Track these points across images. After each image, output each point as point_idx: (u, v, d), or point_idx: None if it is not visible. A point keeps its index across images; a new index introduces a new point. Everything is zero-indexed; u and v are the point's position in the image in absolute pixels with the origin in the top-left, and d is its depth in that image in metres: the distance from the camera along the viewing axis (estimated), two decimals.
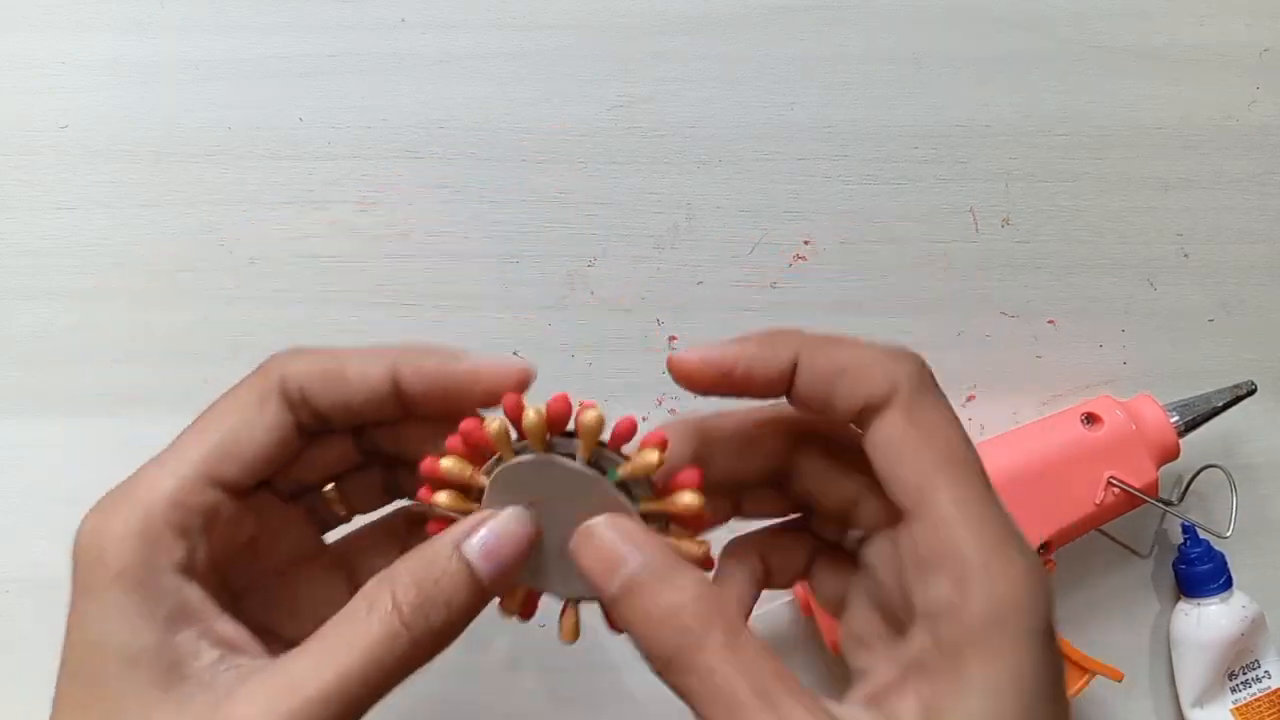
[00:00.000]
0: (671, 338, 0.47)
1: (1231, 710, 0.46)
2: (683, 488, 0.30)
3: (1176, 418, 0.45)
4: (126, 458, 0.45)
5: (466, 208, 0.47)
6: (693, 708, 0.27)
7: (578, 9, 0.47)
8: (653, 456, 0.29)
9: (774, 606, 0.45)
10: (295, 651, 0.28)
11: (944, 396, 0.29)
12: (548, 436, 0.29)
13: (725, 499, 0.33)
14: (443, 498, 0.30)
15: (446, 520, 0.30)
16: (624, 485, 0.30)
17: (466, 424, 0.30)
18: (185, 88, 0.46)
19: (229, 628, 0.29)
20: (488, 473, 0.30)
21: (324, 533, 0.35)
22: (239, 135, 0.46)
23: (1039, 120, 0.48)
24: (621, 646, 0.42)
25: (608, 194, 0.47)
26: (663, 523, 0.30)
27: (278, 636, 0.30)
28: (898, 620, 0.29)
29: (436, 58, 0.47)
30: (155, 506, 0.29)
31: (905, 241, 0.48)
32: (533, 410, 0.29)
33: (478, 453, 0.30)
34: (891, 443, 0.28)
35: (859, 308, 0.47)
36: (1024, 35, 0.48)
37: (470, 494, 0.30)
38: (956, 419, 0.29)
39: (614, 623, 0.30)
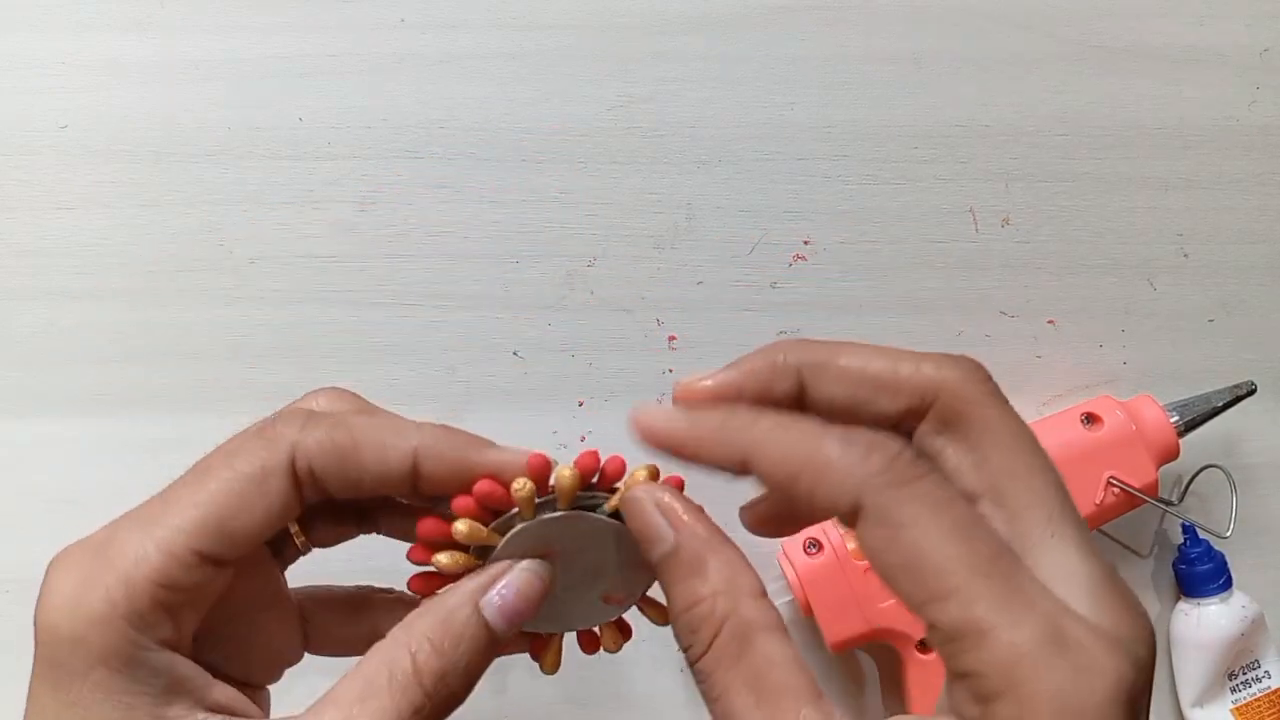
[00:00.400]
0: (671, 337, 0.47)
1: (1231, 710, 0.46)
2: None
3: (1176, 418, 0.45)
4: (126, 458, 0.46)
5: (466, 208, 0.47)
6: (707, 705, 0.26)
7: (578, 9, 0.47)
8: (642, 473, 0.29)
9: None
10: (310, 717, 0.26)
11: (930, 477, 0.25)
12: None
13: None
14: (445, 559, 0.29)
15: (435, 577, 0.30)
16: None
17: (483, 486, 0.29)
18: (185, 88, 0.46)
19: (221, 694, 0.28)
20: (500, 530, 0.29)
21: (283, 567, 0.33)
22: (239, 135, 0.46)
23: (1039, 120, 0.48)
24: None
25: (608, 194, 0.47)
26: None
27: (222, 673, 0.29)
28: None
29: (436, 58, 0.47)
30: (140, 583, 0.27)
31: (905, 241, 0.48)
32: (568, 471, 0.29)
33: (487, 512, 0.30)
34: (876, 556, 0.24)
35: (859, 308, 0.47)
36: (1024, 35, 0.48)
37: (468, 551, 0.30)
38: (948, 498, 0.24)
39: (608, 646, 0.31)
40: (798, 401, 0.28)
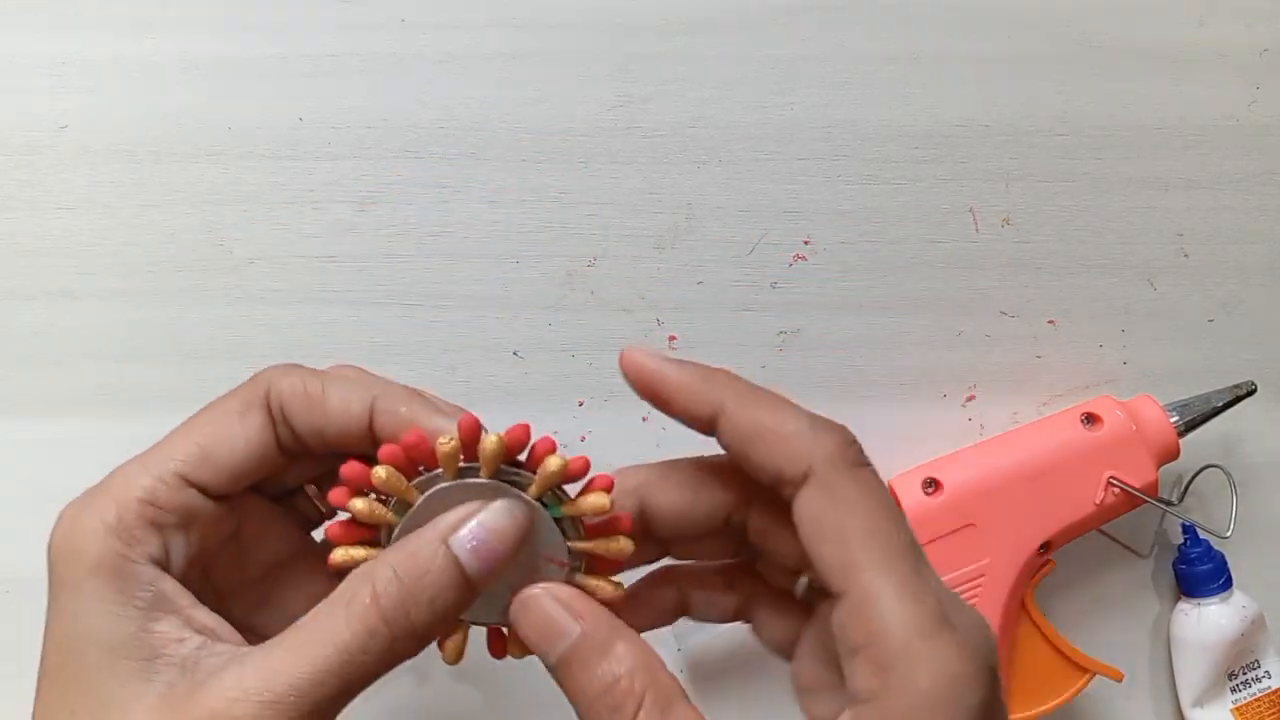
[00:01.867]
0: (671, 337, 0.47)
1: (1231, 710, 0.46)
2: (614, 532, 0.30)
3: (1176, 418, 0.45)
4: (126, 458, 0.46)
5: (466, 208, 0.47)
6: None
7: (578, 9, 0.47)
8: (603, 500, 0.29)
9: None
10: (273, 642, 0.28)
11: (870, 468, 0.28)
12: (499, 465, 0.29)
13: (658, 544, 0.33)
14: (360, 504, 0.29)
15: (351, 526, 0.30)
16: (559, 520, 0.30)
17: (410, 436, 0.29)
18: (186, 88, 0.46)
19: (207, 616, 0.29)
20: (421, 488, 0.30)
21: (308, 531, 0.35)
22: (239, 135, 0.46)
23: (1039, 120, 0.48)
24: None
25: (608, 194, 0.47)
26: (584, 560, 0.31)
27: (265, 637, 0.30)
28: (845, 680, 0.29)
29: (436, 58, 0.47)
30: (129, 501, 0.29)
31: (905, 241, 0.48)
32: (494, 437, 0.29)
33: (412, 466, 0.30)
34: (810, 521, 0.28)
35: (859, 308, 0.47)
36: (1024, 35, 0.48)
37: (387, 504, 0.30)
38: (883, 490, 0.28)
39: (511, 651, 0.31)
40: (712, 430, 0.30)
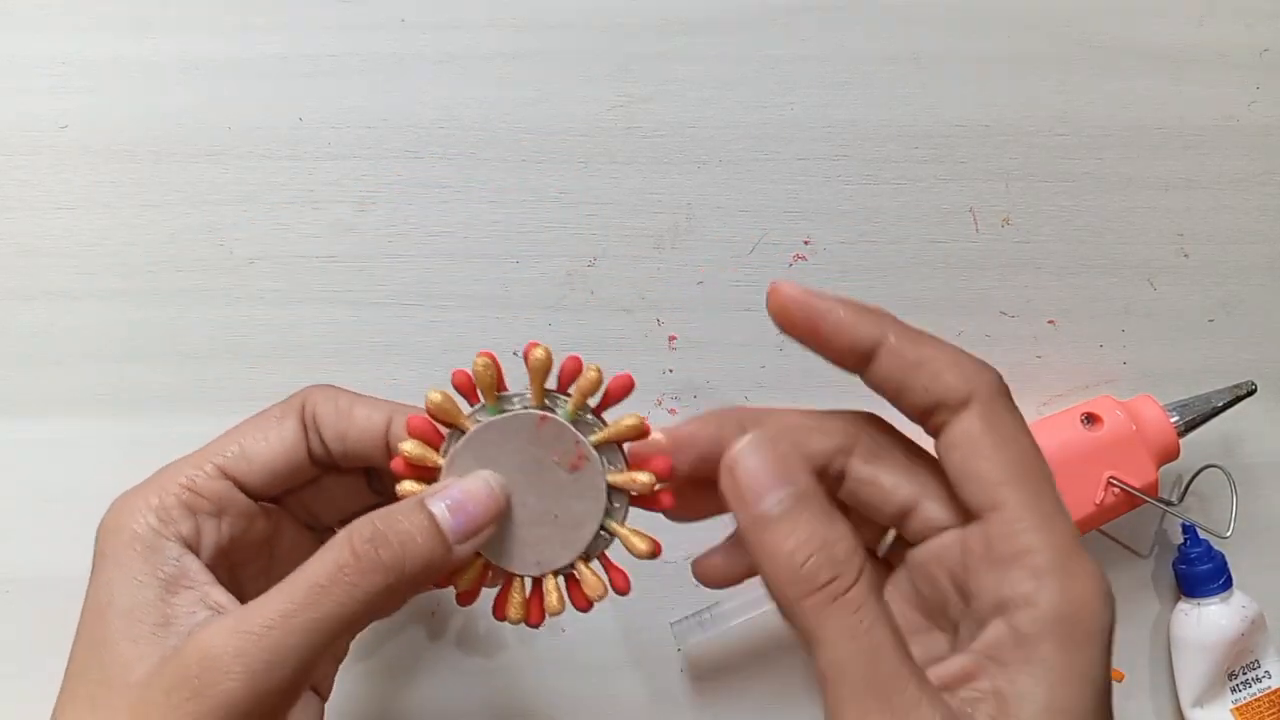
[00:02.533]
0: (671, 337, 0.47)
1: (1231, 710, 0.46)
2: (651, 469, 0.31)
3: (1176, 418, 0.45)
4: (127, 458, 0.46)
5: (466, 208, 0.47)
6: (826, 645, 0.27)
7: (578, 9, 0.47)
8: (634, 420, 0.31)
9: (775, 607, 0.45)
10: (261, 595, 0.30)
11: (1017, 410, 0.30)
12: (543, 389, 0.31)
13: None
14: (409, 445, 0.31)
15: (411, 466, 0.32)
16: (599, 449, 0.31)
17: (457, 375, 0.31)
18: (186, 88, 0.46)
19: (222, 595, 0.32)
20: (444, 453, 0.32)
21: None
22: (239, 135, 0.46)
23: (1039, 120, 0.48)
24: (619, 648, 0.42)
25: (608, 194, 0.47)
26: (623, 503, 0.32)
27: None
28: (947, 618, 0.30)
29: (436, 58, 0.47)
30: (170, 486, 0.33)
31: (905, 241, 0.48)
32: (542, 350, 0.31)
33: (439, 436, 0.32)
34: (970, 442, 0.29)
35: None
36: (1024, 35, 0.48)
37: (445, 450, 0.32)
38: (1029, 431, 0.30)
39: (578, 601, 0.32)
40: (865, 363, 0.31)
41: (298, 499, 0.37)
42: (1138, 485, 0.44)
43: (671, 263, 0.47)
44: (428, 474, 0.32)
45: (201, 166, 0.46)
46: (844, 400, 0.47)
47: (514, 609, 0.32)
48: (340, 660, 0.38)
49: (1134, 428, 0.44)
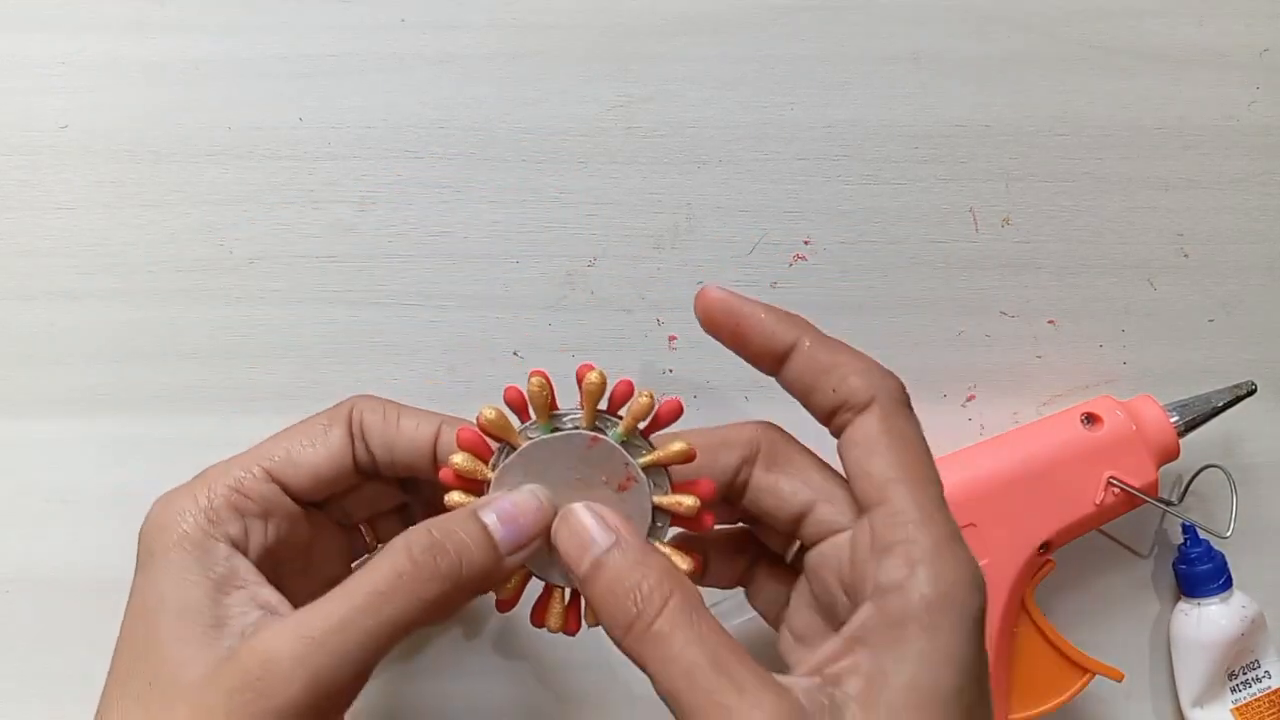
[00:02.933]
0: (671, 337, 0.47)
1: (1231, 710, 0.46)
2: (695, 493, 0.33)
3: (1176, 418, 0.45)
4: (127, 458, 0.46)
5: (466, 208, 0.47)
6: (651, 675, 0.29)
7: (578, 9, 0.47)
8: (682, 446, 0.32)
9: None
10: (318, 599, 0.31)
11: (915, 416, 0.33)
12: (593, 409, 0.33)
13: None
14: (459, 459, 0.33)
15: (460, 478, 0.33)
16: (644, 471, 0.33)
17: (510, 392, 0.33)
18: (185, 88, 0.46)
19: (271, 594, 0.32)
20: (494, 467, 0.33)
21: (355, 558, 0.39)
22: (239, 135, 0.46)
23: (1039, 120, 0.48)
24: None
25: (608, 194, 0.47)
26: (665, 522, 0.33)
27: None
28: (837, 618, 0.32)
29: (436, 58, 0.47)
30: (218, 486, 0.33)
31: (905, 241, 0.48)
32: (596, 373, 0.32)
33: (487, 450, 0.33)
34: (868, 441, 0.31)
35: (859, 308, 0.47)
36: (1024, 35, 0.48)
37: (494, 463, 0.33)
38: (923, 437, 0.32)
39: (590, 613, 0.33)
40: (780, 365, 0.34)
41: (334, 498, 0.37)
42: (1138, 485, 0.44)
43: (671, 263, 0.47)
44: (475, 486, 0.33)
45: (201, 166, 0.46)
46: None
47: (554, 618, 0.34)
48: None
49: (1134, 428, 0.44)
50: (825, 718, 0.28)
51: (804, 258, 0.47)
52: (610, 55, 0.47)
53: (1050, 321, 0.48)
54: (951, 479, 0.44)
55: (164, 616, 0.31)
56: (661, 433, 0.34)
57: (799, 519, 0.33)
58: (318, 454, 0.35)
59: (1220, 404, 0.46)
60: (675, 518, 0.33)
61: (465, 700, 0.46)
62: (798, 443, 0.35)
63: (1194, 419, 0.46)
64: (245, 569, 0.32)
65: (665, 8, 0.47)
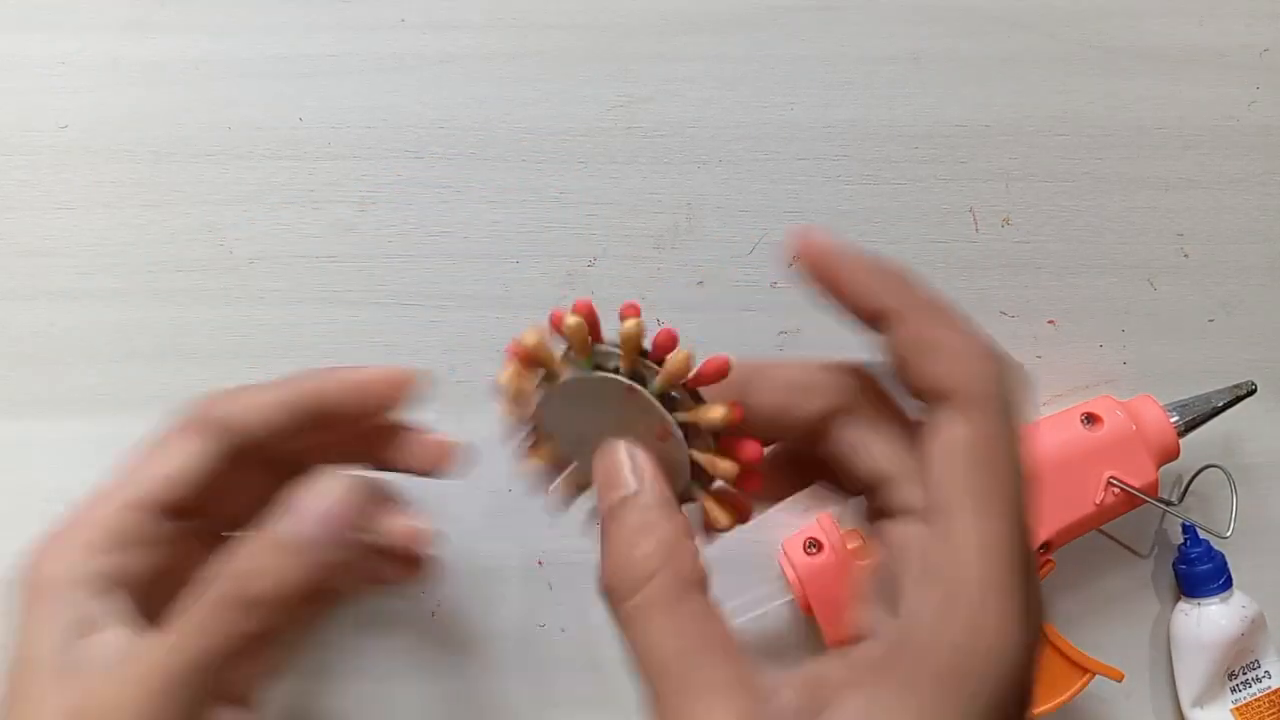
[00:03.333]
0: None
1: (1231, 710, 0.46)
2: (739, 455, 0.30)
3: (1176, 418, 0.45)
4: (126, 458, 0.46)
5: (466, 208, 0.47)
6: (625, 646, 0.28)
7: (578, 9, 0.47)
8: (722, 411, 0.29)
9: (774, 606, 0.45)
10: (146, 637, 0.32)
11: (1016, 421, 0.28)
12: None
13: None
14: (531, 335, 0.32)
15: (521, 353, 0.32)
16: (685, 426, 0.30)
17: (578, 304, 0.31)
18: (185, 88, 0.46)
19: (125, 638, 0.32)
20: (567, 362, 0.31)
21: None
22: (239, 135, 0.46)
23: (1039, 120, 0.48)
24: (619, 648, 0.42)
25: (608, 194, 0.47)
26: (708, 480, 0.31)
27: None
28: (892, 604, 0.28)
29: (436, 58, 0.47)
30: (81, 531, 0.34)
31: (905, 241, 0.48)
32: (633, 322, 0.29)
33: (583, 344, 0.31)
34: (944, 440, 0.27)
35: None
36: (1024, 35, 0.48)
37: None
38: (1020, 441, 0.28)
39: None
40: (874, 326, 0.30)
41: (208, 512, 0.37)
42: (1138, 485, 0.44)
43: (671, 263, 0.47)
44: (530, 372, 0.32)
45: (201, 166, 0.46)
46: None
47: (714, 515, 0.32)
48: (271, 673, 0.38)
49: (1134, 428, 0.44)
50: None
51: None
52: (610, 55, 0.47)
53: (1050, 321, 0.48)
54: None
55: (27, 666, 0.32)
56: (720, 384, 0.31)
57: (874, 486, 0.30)
58: (177, 465, 0.35)
59: (1220, 404, 0.46)
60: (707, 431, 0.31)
61: (435, 702, 0.46)
62: (893, 399, 0.30)
63: (1194, 419, 0.46)
64: (108, 606, 0.33)
65: (665, 8, 0.47)
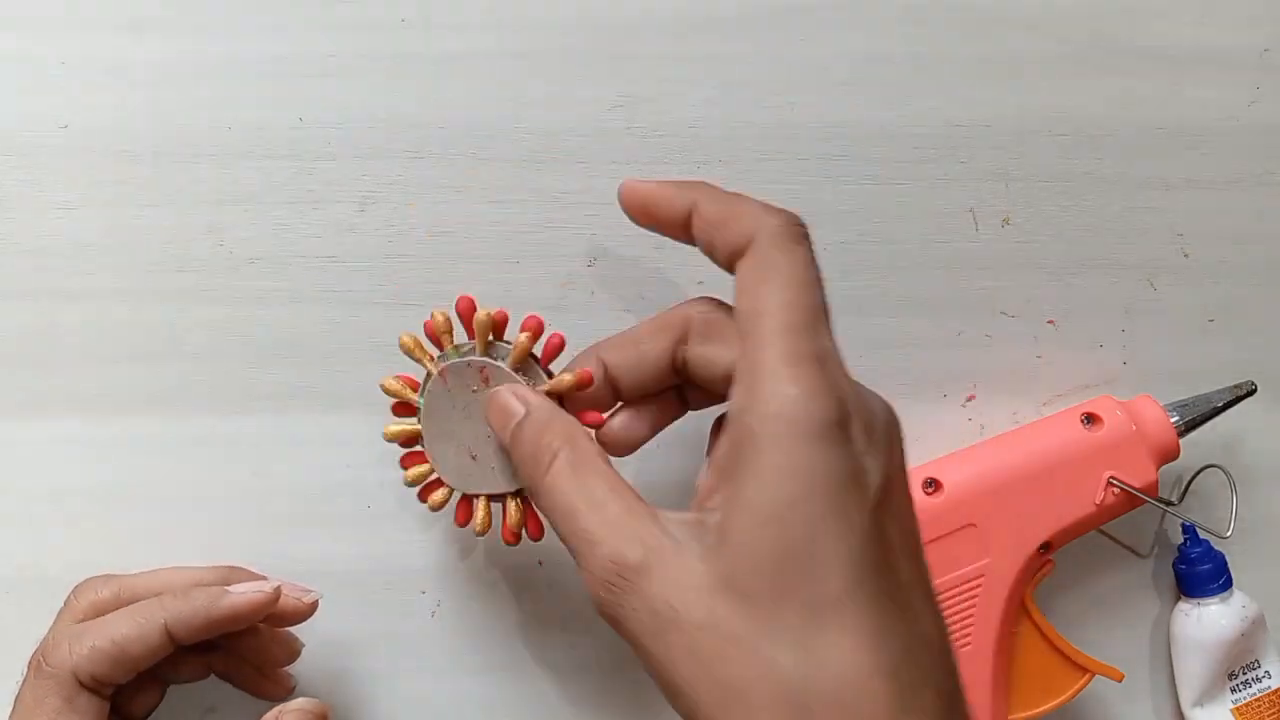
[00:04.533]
0: None
1: (1231, 710, 0.46)
2: (583, 418, 0.38)
3: (1176, 418, 0.45)
4: (126, 458, 0.46)
5: (466, 208, 0.47)
6: (551, 523, 0.33)
7: (578, 9, 0.47)
8: (571, 377, 0.38)
9: None
10: None
11: (806, 249, 0.33)
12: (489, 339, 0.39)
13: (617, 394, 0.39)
14: (389, 382, 0.40)
15: (399, 406, 0.41)
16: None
17: (466, 304, 0.40)
18: (185, 88, 0.46)
19: None
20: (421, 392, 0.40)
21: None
22: (239, 135, 0.46)
23: (1039, 120, 0.48)
24: (619, 648, 0.42)
25: (608, 194, 0.47)
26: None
27: None
28: None
29: (436, 58, 0.47)
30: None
31: (905, 241, 0.48)
32: (484, 312, 0.39)
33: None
34: (742, 281, 0.32)
35: (859, 308, 0.47)
36: (1024, 35, 0.48)
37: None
38: (807, 264, 0.32)
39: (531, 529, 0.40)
40: (688, 228, 0.36)
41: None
42: (1138, 485, 0.44)
43: (671, 262, 0.47)
44: (409, 410, 0.41)
45: (201, 166, 0.46)
46: None
47: (477, 525, 0.40)
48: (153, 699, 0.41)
49: (1134, 428, 0.44)
50: (693, 544, 0.29)
51: None
52: (610, 55, 0.47)
53: (1050, 321, 0.48)
54: (951, 479, 0.44)
55: None
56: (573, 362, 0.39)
57: (728, 380, 0.33)
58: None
59: (1220, 404, 0.46)
60: (566, 399, 0.38)
61: (435, 702, 0.46)
62: (723, 315, 0.35)
63: (1194, 419, 0.46)
64: None
65: (665, 8, 0.47)
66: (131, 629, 0.37)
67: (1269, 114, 0.49)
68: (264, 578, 0.41)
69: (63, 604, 0.40)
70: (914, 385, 0.48)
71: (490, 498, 0.40)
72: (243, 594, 0.38)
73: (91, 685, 0.37)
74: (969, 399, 0.48)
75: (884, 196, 0.48)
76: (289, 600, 0.40)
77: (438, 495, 0.40)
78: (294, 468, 0.46)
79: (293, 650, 0.42)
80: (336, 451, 0.46)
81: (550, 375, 0.39)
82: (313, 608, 0.41)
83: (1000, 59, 0.48)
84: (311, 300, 0.46)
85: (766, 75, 0.47)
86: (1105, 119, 0.48)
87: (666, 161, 0.47)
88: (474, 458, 0.39)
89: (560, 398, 0.38)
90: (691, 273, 0.47)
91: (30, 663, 0.38)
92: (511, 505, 0.39)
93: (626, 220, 0.47)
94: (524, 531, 0.39)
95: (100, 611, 0.39)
